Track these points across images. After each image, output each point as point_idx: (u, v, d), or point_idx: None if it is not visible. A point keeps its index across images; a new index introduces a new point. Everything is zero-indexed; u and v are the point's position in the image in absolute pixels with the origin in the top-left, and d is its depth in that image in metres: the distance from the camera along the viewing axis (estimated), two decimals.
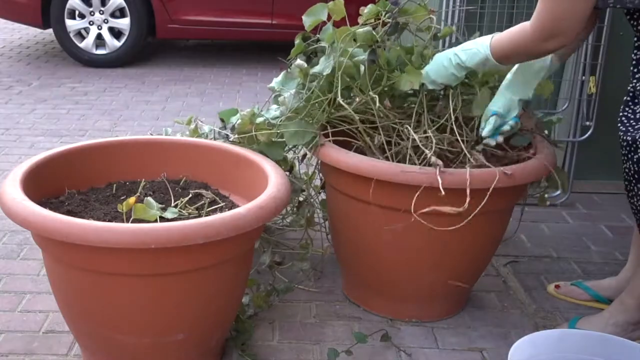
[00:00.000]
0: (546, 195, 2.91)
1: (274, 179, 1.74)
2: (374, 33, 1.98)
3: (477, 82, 1.96)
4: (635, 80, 1.79)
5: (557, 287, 2.27)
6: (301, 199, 2.32)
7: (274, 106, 2.14)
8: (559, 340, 1.58)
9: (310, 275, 2.29)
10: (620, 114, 1.82)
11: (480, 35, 1.88)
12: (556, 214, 2.86)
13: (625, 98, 1.83)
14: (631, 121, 1.79)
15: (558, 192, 2.95)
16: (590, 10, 1.61)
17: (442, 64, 1.87)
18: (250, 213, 1.56)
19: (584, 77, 2.77)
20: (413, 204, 1.84)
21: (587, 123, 2.83)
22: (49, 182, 1.82)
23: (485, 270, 2.19)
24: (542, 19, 1.65)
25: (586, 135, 2.85)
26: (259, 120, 2.04)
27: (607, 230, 2.73)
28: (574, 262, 2.48)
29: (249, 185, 1.84)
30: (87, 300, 1.61)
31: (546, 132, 2.15)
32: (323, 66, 1.94)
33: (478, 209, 1.77)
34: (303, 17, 2.06)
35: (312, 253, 2.33)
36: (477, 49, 1.80)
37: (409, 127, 1.91)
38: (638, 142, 1.73)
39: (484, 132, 1.88)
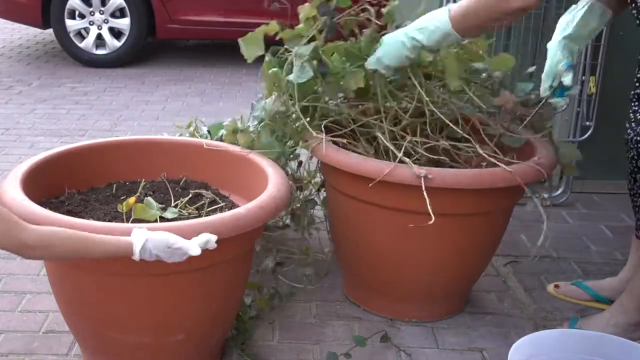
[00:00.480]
0: (546, 195, 2.92)
1: (274, 179, 1.74)
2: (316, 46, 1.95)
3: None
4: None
5: (556, 286, 2.27)
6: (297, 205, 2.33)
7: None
8: (559, 340, 1.58)
9: (312, 278, 2.29)
10: (631, 114, 1.81)
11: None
12: (556, 214, 2.85)
13: (632, 98, 1.82)
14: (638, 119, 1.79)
15: (558, 192, 2.95)
16: None
17: (395, 47, 1.80)
18: (250, 213, 1.56)
19: (584, 77, 2.77)
20: (413, 204, 1.85)
21: (587, 123, 2.83)
22: (49, 182, 1.82)
23: (485, 270, 2.19)
24: None
25: (586, 135, 2.85)
26: (242, 127, 2.05)
27: (607, 230, 2.73)
28: (574, 262, 2.47)
29: (249, 185, 1.84)
30: (87, 300, 1.61)
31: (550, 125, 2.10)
32: (296, 75, 1.92)
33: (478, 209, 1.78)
34: (242, 48, 2.06)
35: (316, 256, 2.33)
36: (435, 25, 1.72)
37: (382, 132, 1.90)
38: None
39: (567, 81, 1.78)
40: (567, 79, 1.78)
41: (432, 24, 1.73)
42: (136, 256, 1.38)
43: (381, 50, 1.85)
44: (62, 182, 1.87)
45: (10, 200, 1.56)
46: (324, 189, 2.26)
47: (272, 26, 2.06)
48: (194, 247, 1.42)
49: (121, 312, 1.60)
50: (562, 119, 2.94)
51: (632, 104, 1.83)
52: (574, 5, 1.83)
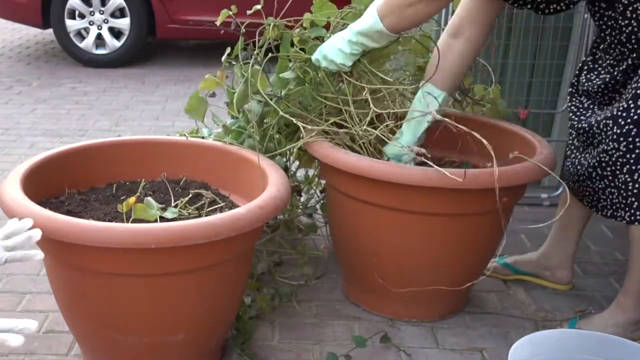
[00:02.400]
0: (546, 195, 2.92)
1: (274, 179, 1.74)
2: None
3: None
4: (584, 73, 1.96)
5: None
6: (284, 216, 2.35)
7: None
8: (559, 340, 1.58)
9: (311, 277, 2.29)
10: (569, 104, 1.98)
11: None
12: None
13: (569, 90, 2.01)
14: (581, 109, 1.94)
15: (558, 192, 2.95)
16: None
17: (337, 46, 1.88)
18: (250, 213, 1.56)
19: None
20: (412, 204, 1.85)
21: None
22: (49, 182, 1.82)
23: None
24: None
25: None
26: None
27: (607, 230, 2.73)
28: (574, 261, 2.47)
29: (249, 185, 1.84)
30: (87, 300, 1.61)
31: None
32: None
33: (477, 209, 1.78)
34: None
35: (312, 254, 2.33)
36: (372, 25, 1.80)
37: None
38: (594, 128, 1.85)
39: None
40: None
41: (369, 24, 1.80)
42: None
43: (327, 44, 1.92)
44: (62, 182, 1.87)
45: (10, 200, 1.56)
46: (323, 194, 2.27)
47: (210, 82, 2.11)
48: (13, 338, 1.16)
49: (121, 312, 1.60)
50: (562, 119, 2.94)
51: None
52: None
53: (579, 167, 1.97)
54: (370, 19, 1.81)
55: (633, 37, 1.75)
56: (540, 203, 2.92)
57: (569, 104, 2.02)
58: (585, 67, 1.98)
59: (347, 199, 1.97)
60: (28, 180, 1.69)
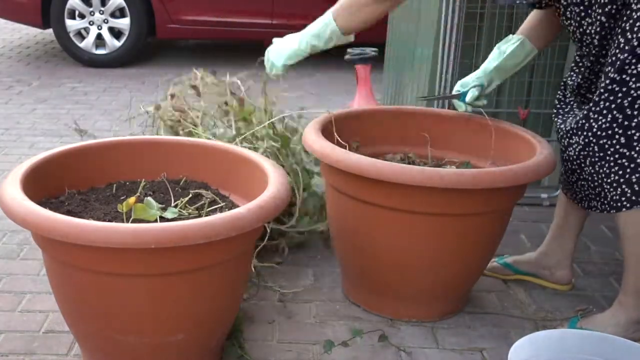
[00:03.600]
0: (546, 195, 2.93)
1: (274, 179, 1.73)
2: None
3: None
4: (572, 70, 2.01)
5: None
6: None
7: None
8: (559, 340, 1.58)
9: (310, 276, 2.29)
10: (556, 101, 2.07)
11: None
12: None
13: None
14: (561, 104, 2.03)
15: (558, 192, 2.95)
16: None
17: (293, 50, 1.97)
18: (250, 213, 1.56)
19: None
20: (413, 204, 1.85)
21: None
22: (49, 182, 1.82)
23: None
24: None
25: None
26: None
27: (607, 230, 2.73)
28: (574, 262, 2.47)
29: (249, 185, 1.84)
30: (87, 300, 1.61)
31: None
32: None
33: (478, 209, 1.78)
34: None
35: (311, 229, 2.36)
36: (325, 24, 1.91)
37: None
38: (574, 129, 1.90)
39: (469, 97, 2.10)
40: (470, 96, 2.10)
41: (322, 30, 1.92)
42: None
43: (280, 55, 2.00)
44: (62, 182, 1.87)
45: (10, 200, 1.56)
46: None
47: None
48: None
49: (121, 312, 1.60)
50: None
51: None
52: (509, 36, 2.11)
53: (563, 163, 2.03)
54: (324, 20, 1.92)
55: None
56: (540, 203, 2.92)
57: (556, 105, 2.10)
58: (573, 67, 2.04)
59: (347, 199, 1.97)
60: (28, 180, 1.69)
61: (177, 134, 2.47)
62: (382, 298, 2.09)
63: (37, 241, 1.62)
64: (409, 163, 2.15)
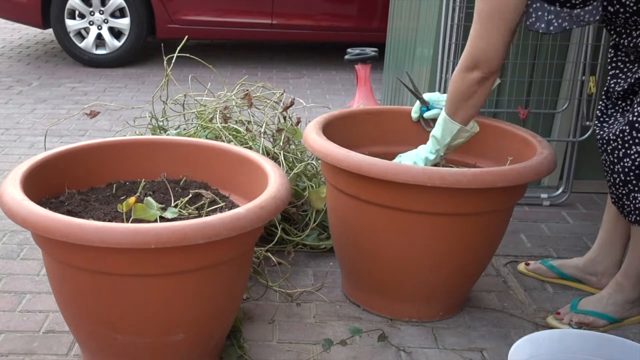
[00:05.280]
0: (546, 195, 2.93)
1: (274, 179, 1.74)
2: None
3: None
4: (609, 77, 1.92)
5: (527, 264, 2.36)
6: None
7: None
8: (559, 340, 1.59)
9: (311, 276, 2.29)
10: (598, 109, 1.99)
11: None
12: (556, 214, 2.86)
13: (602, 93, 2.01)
14: (604, 116, 1.96)
15: (558, 192, 2.95)
16: (506, 40, 1.80)
17: (419, 156, 2.04)
18: (250, 213, 1.56)
19: (584, 77, 2.78)
20: (413, 204, 1.84)
21: (587, 123, 2.83)
22: (49, 182, 1.82)
23: (485, 270, 2.19)
24: (465, 51, 1.87)
25: (586, 135, 2.85)
26: None
27: None
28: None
29: (249, 185, 1.84)
30: (87, 300, 1.61)
31: None
32: None
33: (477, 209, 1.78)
34: None
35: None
36: (446, 126, 1.95)
37: None
38: (612, 140, 1.87)
39: (427, 114, 2.20)
40: (433, 112, 2.19)
41: (443, 129, 1.97)
42: None
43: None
44: (62, 182, 1.87)
45: (10, 200, 1.56)
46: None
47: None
48: None
49: (121, 312, 1.60)
50: (562, 119, 2.94)
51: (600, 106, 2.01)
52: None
53: (609, 174, 1.95)
54: (442, 124, 1.96)
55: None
56: (540, 203, 2.92)
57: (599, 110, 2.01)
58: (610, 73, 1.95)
59: (348, 198, 1.97)
60: (28, 180, 1.69)
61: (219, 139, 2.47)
62: (382, 298, 2.09)
63: (37, 241, 1.62)
64: None
